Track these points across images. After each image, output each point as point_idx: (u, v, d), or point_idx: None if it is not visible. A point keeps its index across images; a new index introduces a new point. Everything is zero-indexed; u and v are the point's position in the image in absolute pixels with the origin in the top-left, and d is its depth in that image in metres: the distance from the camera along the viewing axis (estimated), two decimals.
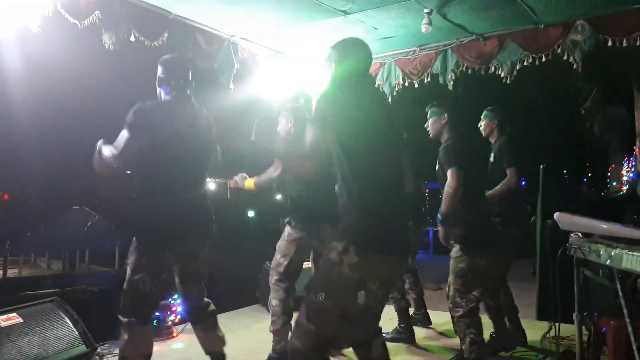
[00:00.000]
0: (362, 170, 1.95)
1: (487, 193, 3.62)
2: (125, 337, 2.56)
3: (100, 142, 2.51)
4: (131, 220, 2.57)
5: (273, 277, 3.42)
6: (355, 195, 1.95)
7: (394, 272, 2.11)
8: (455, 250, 3.16)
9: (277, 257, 3.45)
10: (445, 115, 3.21)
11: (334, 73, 2.15)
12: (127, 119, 2.51)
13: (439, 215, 3.08)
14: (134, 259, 2.57)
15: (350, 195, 1.97)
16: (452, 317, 3.16)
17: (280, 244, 3.46)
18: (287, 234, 3.42)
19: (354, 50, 2.18)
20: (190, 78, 2.73)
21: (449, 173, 3.03)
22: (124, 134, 2.50)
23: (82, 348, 3.18)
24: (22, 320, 3.01)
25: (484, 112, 3.98)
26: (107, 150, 2.47)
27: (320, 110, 1.96)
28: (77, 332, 3.20)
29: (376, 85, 5.07)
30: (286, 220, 3.49)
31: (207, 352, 2.90)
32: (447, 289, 3.22)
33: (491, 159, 3.88)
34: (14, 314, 3.03)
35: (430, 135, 3.31)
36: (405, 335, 4.03)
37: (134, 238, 2.61)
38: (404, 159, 2.17)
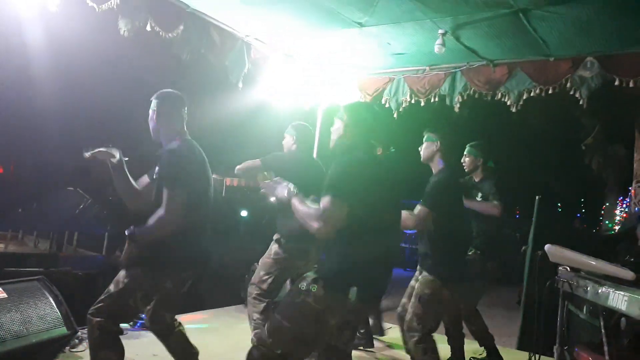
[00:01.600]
0: (357, 227, 2.08)
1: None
2: (96, 334, 2.48)
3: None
4: (149, 244, 2.51)
5: (254, 292, 3.45)
6: (345, 243, 2.10)
7: (359, 316, 2.26)
8: (424, 275, 3.14)
9: (261, 273, 3.49)
10: (439, 142, 3.19)
11: (344, 135, 2.31)
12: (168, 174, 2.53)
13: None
14: (134, 277, 2.52)
15: (341, 241, 2.10)
16: (407, 342, 3.11)
17: (266, 261, 3.50)
18: (274, 252, 3.47)
19: (365, 117, 2.33)
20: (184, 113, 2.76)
21: (419, 208, 3.04)
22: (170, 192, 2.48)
23: (63, 330, 3.17)
24: (6, 296, 3.00)
25: (468, 148, 3.98)
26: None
27: (338, 176, 2.11)
28: (59, 314, 3.20)
29: (383, 100, 5.11)
30: (275, 237, 3.53)
31: None
32: (404, 311, 3.19)
33: (478, 197, 3.89)
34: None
35: (421, 159, 3.31)
36: (363, 340, 4.04)
37: (147, 256, 2.52)
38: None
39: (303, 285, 2.10)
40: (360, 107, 2.48)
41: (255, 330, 3.34)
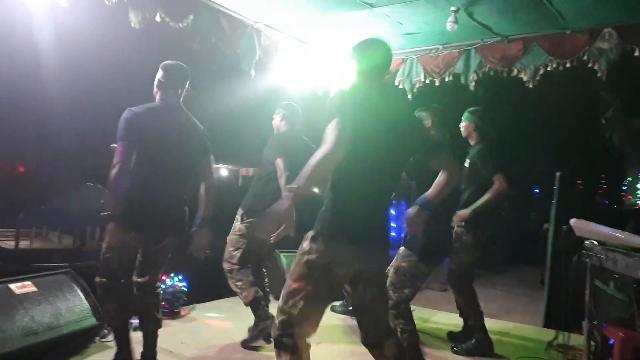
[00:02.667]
0: (349, 171, 2.04)
1: (476, 206, 3.58)
2: (99, 294, 2.88)
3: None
4: (112, 203, 2.75)
5: (226, 267, 3.66)
6: (336, 191, 2.09)
7: (366, 262, 2.13)
8: (403, 249, 3.20)
9: (230, 249, 3.68)
10: (430, 120, 3.24)
11: (354, 74, 2.23)
12: (120, 132, 2.69)
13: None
14: (106, 238, 2.83)
15: (332, 190, 2.10)
16: None
17: (232, 237, 3.69)
18: (238, 228, 3.67)
19: (372, 51, 2.25)
20: (187, 86, 2.90)
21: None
22: (117, 148, 2.69)
23: (93, 320, 3.23)
24: (36, 289, 3.07)
25: (464, 114, 3.89)
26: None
27: (333, 105, 2.04)
28: (88, 305, 3.26)
29: (397, 81, 5.05)
30: (239, 212, 3.70)
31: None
32: None
33: (466, 163, 3.77)
34: (29, 282, 3.08)
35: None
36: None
37: (110, 214, 2.78)
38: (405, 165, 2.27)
39: (305, 245, 2.09)
40: (370, 41, 2.30)
41: (243, 293, 3.55)
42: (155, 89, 2.89)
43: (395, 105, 2.26)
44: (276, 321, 2.09)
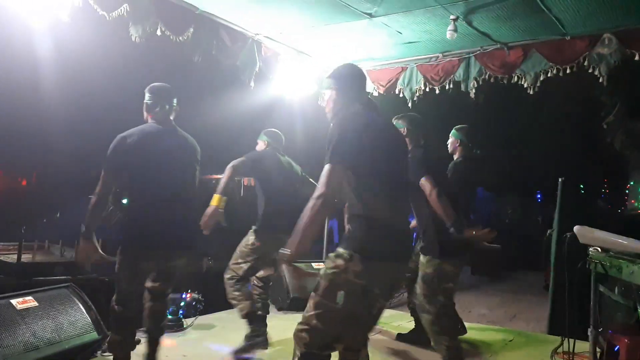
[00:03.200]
0: (368, 187, 2.06)
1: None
2: (111, 319, 2.83)
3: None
4: (120, 227, 2.83)
5: (228, 274, 3.65)
6: (360, 209, 2.08)
7: (396, 277, 2.20)
8: (422, 257, 3.19)
9: (239, 260, 3.67)
10: (405, 128, 3.27)
11: (337, 100, 2.23)
12: (107, 158, 2.73)
13: (452, 228, 2.98)
14: (118, 261, 2.81)
15: (356, 209, 2.09)
16: (424, 325, 3.15)
17: (243, 250, 3.68)
18: (251, 242, 3.66)
19: (352, 76, 2.26)
20: (175, 104, 2.90)
21: (423, 182, 3.03)
22: (102, 174, 2.73)
23: (94, 335, 3.22)
24: (37, 304, 3.06)
25: (452, 130, 3.92)
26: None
27: (331, 144, 2.04)
28: (89, 319, 3.25)
29: (397, 90, 5.06)
30: (253, 227, 3.71)
31: None
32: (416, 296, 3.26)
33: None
34: (30, 297, 3.07)
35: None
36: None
37: (120, 243, 2.83)
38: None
39: (339, 262, 2.02)
40: (345, 66, 2.33)
41: (240, 305, 3.53)
42: (145, 114, 2.89)
43: (387, 120, 2.33)
44: (304, 335, 2.04)
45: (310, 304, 2.07)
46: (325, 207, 1.98)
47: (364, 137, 2.04)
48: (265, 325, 3.70)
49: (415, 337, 4.00)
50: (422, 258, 3.19)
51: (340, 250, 2.06)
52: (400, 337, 4.15)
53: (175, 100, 2.89)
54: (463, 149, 3.83)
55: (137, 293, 2.84)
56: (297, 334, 2.07)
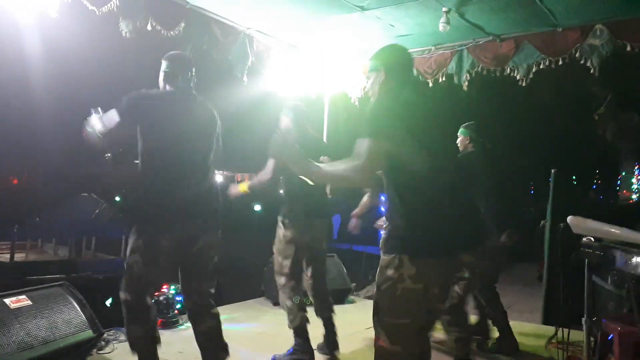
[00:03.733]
0: (413, 179, 1.86)
1: None
2: (124, 313, 2.59)
3: (94, 115, 2.59)
4: (131, 204, 2.60)
5: (280, 280, 3.44)
6: (404, 203, 1.87)
7: (451, 272, 2.02)
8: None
9: (279, 259, 3.45)
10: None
11: (384, 82, 2.04)
12: (121, 103, 2.55)
13: None
14: (131, 241, 2.58)
15: (398, 203, 1.88)
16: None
17: (279, 247, 3.46)
18: (283, 235, 3.43)
19: (399, 57, 2.08)
20: (193, 73, 2.75)
21: None
22: (114, 117, 2.54)
23: (89, 333, 3.19)
24: (31, 303, 3.03)
25: (460, 129, 3.94)
26: (97, 125, 2.57)
27: (374, 119, 1.87)
28: (84, 317, 3.22)
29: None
30: (279, 219, 3.49)
31: None
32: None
33: None
34: (24, 297, 3.05)
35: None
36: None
37: (134, 221, 2.62)
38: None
39: (390, 273, 1.83)
40: (394, 47, 2.12)
41: (290, 316, 3.34)
42: (161, 83, 2.72)
43: (432, 101, 2.12)
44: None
45: (377, 330, 1.88)
46: (359, 181, 1.86)
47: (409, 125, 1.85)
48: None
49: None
50: None
51: (384, 257, 1.86)
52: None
53: (194, 70, 2.73)
54: (474, 146, 3.85)
55: (149, 279, 2.60)
56: None
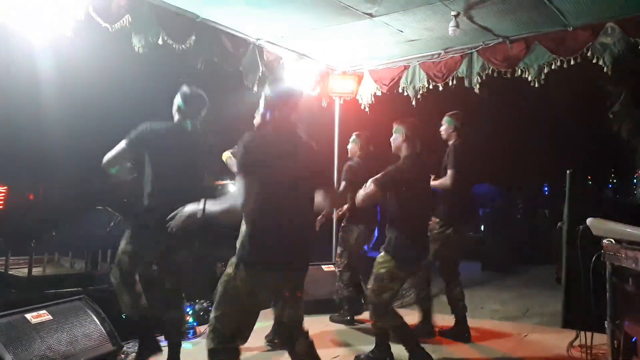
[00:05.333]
0: (260, 201, 2.17)
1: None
2: (115, 285, 3.09)
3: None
4: (131, 212, 2.94)
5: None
6: (250, 221, 2.25)
7: (287, 283, 2.35)
8: (380, 255, 3.28)
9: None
10: (404, 134, 3.32)
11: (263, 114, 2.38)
12: (130, 134, 2.97)
13: None
14: (123, 242, 3.05)
15: (247, 221, 2.28)
16: (370, 317, 3.35)
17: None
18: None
19: (284, 99, 2.38)
20: (203, 114, 3.13)
21: (368, 187, 3.23)
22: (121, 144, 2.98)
23: (109, 346, 3.22)
24: (51, 318, 3.06)
25: (445, 117, 4.04)
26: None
27: (242, 155, 2.21)
28: (104, 330, 3.24)
29: (400, 89, 5.06)
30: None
31: None
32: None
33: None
34: (44, 311, 3.08)
35: (392, 151, 3.44)
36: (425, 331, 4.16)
37: (129, 226, 3.10)
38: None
39: (230, 270, 2.27)
40: (280, 89, 2.48)
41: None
42: (174, 111, 3.09)
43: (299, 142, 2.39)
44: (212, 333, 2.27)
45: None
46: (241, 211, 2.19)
47: None
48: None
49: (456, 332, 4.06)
50: (379, 256, 3.32)
51: (231, 259, 2.28)
52: (442, 333, 4.15)
53: (205, 109, 3.12)
54: (458, 135, 3.95)
55: (134, 269, 3.06)
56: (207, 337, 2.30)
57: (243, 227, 2.39)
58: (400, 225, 3.25)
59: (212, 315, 2.30)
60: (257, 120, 3.78)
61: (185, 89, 3.06)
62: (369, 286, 3.32)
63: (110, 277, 3.12)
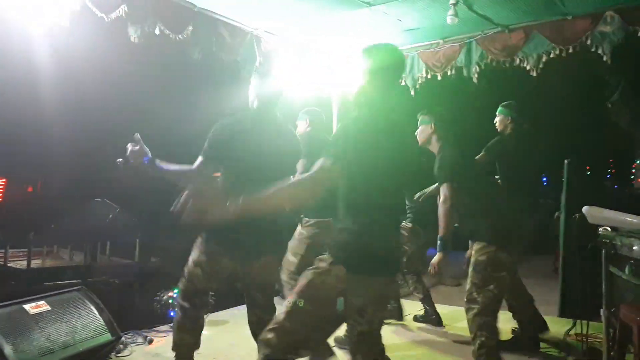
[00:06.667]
0: (363, 196, 1.93)
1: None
2: (177, 317, 2.71)
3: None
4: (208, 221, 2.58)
5: (284, 275, 3.51)
6: (352, 217, 1.95)
7: (383, 293, 2.03)
8: (477, 244, 3.06)
9: (289, 255, 3.51)
10: (433, 124, 3.18)
11: (364, 86, 2.03)
12: (205, 145, 2.55)
13: (439, 242, 3.01)
14: (197, 253, 2.62)
15: (347, 216, 1.97)
16: (467, 314, 3.02)
17: (292, 244, 3.53)
18: (298, 233, 3.51)
19: (382, 60, 2.00)
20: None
21: (441, 188, 3.01)
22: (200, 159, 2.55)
23: (108, 336, 3.24)
24: (50, 308, 3.08)
25: (499, 108, 3.92)
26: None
27: (337, 137, 1.96)
28: (102, 321, 3.26)
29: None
30: (298, 218, 3.56)
31: None
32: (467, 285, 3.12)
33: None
34: (43, 302, 3.10)
35: (419, 143, 3.24)
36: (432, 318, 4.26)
37: (204, 235, 2.63)
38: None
39: (323, 264, 1.99)
40: (380, 48, 2.02)
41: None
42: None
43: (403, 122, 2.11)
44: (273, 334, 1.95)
45: (285, 303, 2.02)
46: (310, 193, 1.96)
47: None
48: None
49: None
50: (475, 245, 3.07)
51: (325, 255, 2.04)
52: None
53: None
54: (515, 126, 3.80)
55: (206, 293, 2.73)
56: (264, 334, 1.98)
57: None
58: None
59: (280, 311, 2.00)
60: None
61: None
62: (469, 280, 3.03)
63: (175, 306, 2.75)
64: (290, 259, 3.48)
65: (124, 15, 3.50)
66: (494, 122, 3.95)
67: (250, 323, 2.71)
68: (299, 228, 3.52)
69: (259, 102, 2.61)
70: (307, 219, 3.48)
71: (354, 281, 1.91)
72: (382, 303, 2.08)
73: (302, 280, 2.00)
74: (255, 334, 2.70)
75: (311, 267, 2.01)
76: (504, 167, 3.73)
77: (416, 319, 4.47)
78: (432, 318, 4.41)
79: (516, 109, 3.84)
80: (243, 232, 2.47)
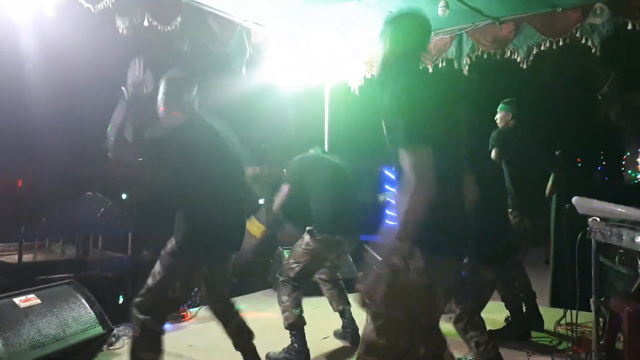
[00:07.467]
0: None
1: None
2: (137, 334, 2.52)
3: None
4: (176, 226, 2.53)
5: (281, 277, 3.46)
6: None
7: (449, 271, 1.83)
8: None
9: (291, 260, 3.47)
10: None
11: (387, 57, 1.91)
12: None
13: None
14: (170, 264, 2.50)
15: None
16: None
17: (296, 250, 3.48)
18: (305, 243, 3.43)
19: (409, 27, 1.93)
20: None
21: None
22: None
23: (99, 329, 3.22)
24: (40, 302, 3.06)
25: (500, 105, 3.99)
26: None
27: (400, 117, 1.70)
28: (93, 314, 3.25)
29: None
30: (307, 228, 3.48)
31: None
32: None
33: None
34: (32, 295, 3.08)
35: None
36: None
37: (175, 243, 2.53)
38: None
39: (397, 260, 1.67)
40: (402, 17, 1.94)
41: (285, 313, 3.35)
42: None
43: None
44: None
45: (367, 319, 1.76)
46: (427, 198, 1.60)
47: None
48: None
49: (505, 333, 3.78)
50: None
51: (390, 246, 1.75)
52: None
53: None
54: (516, 123, 3.94)
55: (177, 305, 2.80)
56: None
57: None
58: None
59: (367, 330, 1.74)
60: None
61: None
62: None
63: (137, 314, 2.49)
64: (292, 265, 3.44)
65: (110, 6, 3.46)
66: (495, 118, 3.99)
67: (216, 313, 2.83)
68: (307, 238, 3.43)
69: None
70: (316, 232, 3.40)
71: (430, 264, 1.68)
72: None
73: (377, 286, 1.68)
74: (222, 313, 2.84)
75: (378, 269, 1.67)
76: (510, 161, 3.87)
77: None
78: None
79: (517, 106, 3.94)
80: (220, 235, 2.55)
